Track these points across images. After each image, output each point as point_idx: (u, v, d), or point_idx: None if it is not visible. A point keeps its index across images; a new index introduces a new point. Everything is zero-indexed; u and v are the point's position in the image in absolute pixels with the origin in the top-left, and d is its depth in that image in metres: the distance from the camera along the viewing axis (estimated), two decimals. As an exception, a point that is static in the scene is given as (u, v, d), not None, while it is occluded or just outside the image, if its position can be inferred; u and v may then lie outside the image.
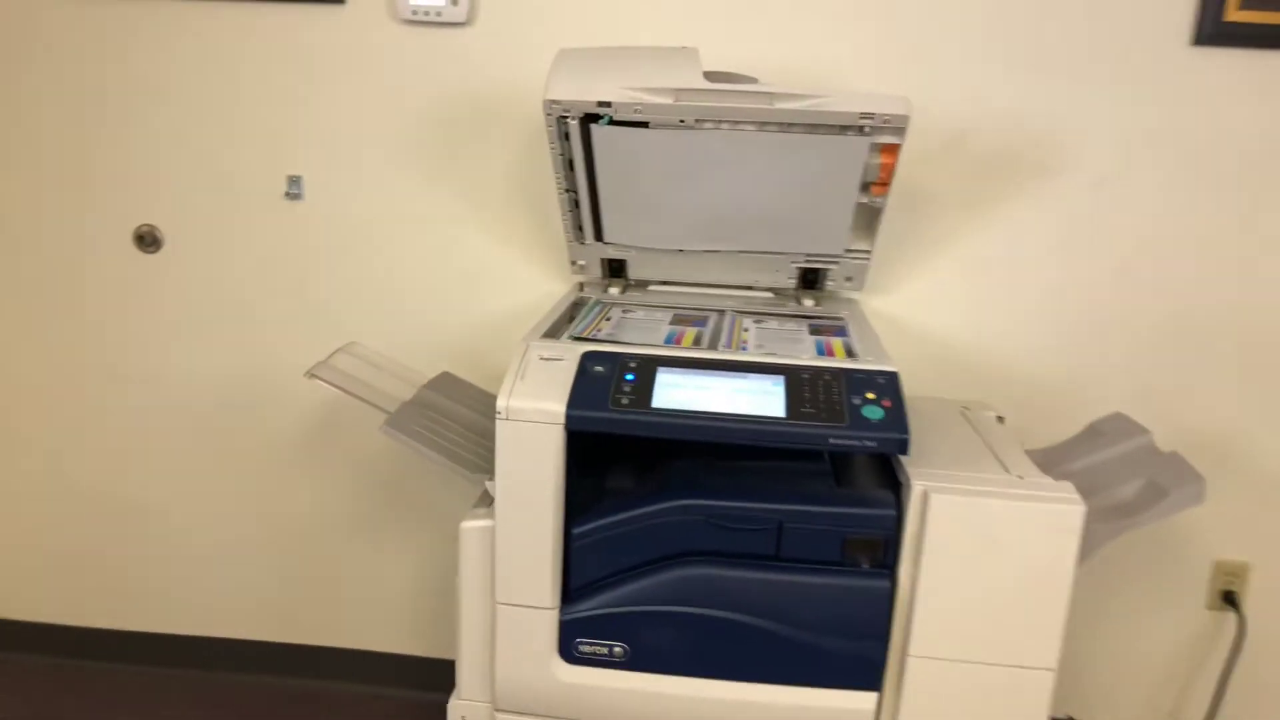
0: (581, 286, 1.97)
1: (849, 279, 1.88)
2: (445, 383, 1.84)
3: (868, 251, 1.81)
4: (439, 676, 2.23)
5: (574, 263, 1.91)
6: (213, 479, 2.25)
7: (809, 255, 1.82)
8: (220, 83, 2.04)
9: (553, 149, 1.67)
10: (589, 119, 1.60)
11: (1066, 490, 1.40)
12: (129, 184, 2.11)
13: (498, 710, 1.51)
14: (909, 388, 1.96)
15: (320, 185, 2.07)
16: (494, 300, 2.09)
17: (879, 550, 1.42)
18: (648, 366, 1.46)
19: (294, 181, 2.07)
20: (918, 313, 2.00)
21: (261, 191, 2.09)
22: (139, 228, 2.13)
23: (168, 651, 2.35)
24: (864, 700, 1.44)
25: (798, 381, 1.44)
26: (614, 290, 1.93)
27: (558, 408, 1.39)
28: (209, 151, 2.07)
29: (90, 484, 2.29)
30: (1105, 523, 1.50)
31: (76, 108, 2.08)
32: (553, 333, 1.60)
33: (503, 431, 1.40)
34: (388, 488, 2.21)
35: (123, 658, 2.36)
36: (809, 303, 1.89)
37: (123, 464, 2.26)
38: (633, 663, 1.46)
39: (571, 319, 1.71)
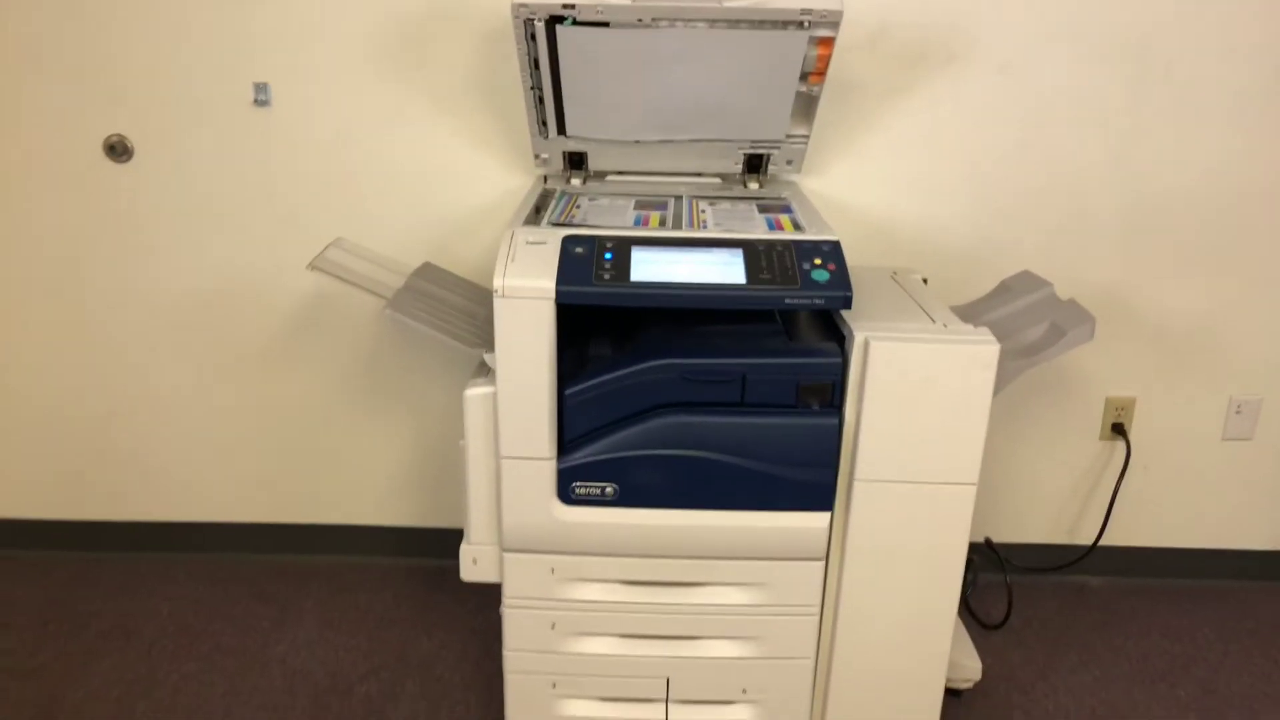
0: (545, 179, 2.13)
1: (789, 162, 2.08)
2: (429, 271, 2.01)
3: (806, 136, 2.01)
4: (431, 544, 2.46)
5: (537, 156, 2.07)
6: (205, 375, 2.39)
7: (754, 141, 2.01)
8: (181, -8, 2.10)
9: (519, 49, 1.81)
10: (554, 20, 1.74)
11: (984, 334, 1.65)
12: (98, 95, 2.17)
13: (505, 550, 1.74)
14: (846, 258, 2.19)
15: (288, 91, 2.16)
16: (461, 195, 2.23)
17: (828, 393, 1.66)
18: (623, 246, 1.65)
19: (261, 88, 2.16)
20: (850, 190, 2.22)
21: (230, 99, 2.17)
22: (109, 138, 2.20)
23: (174, 538, 2.52)
24: (819, 519, 1.71)
25: (755, 253, 1.65)
26: (575, 181, 2.09)
27: (548, 284, 1.58)
28: (176, 61, 2.14)
29: (86, 386, 2.40)
30: (1015, 360, 1.76)
31: (44, 20, 2.12)
32: (530, 221, 1.77)
33: (500, 308, 1.59)
34: (372, 374, 2.38)
35: (131, 546, 2.53)
36: (754, 186, 2.09)
37: (116, 366, 2.38)
38: (622, 500, 1.69)
39: (541, 209, 1.88)
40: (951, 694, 2.03)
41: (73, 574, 2.45)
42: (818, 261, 1.62)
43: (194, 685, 2.07)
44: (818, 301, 1.59)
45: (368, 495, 2.49)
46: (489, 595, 1.77)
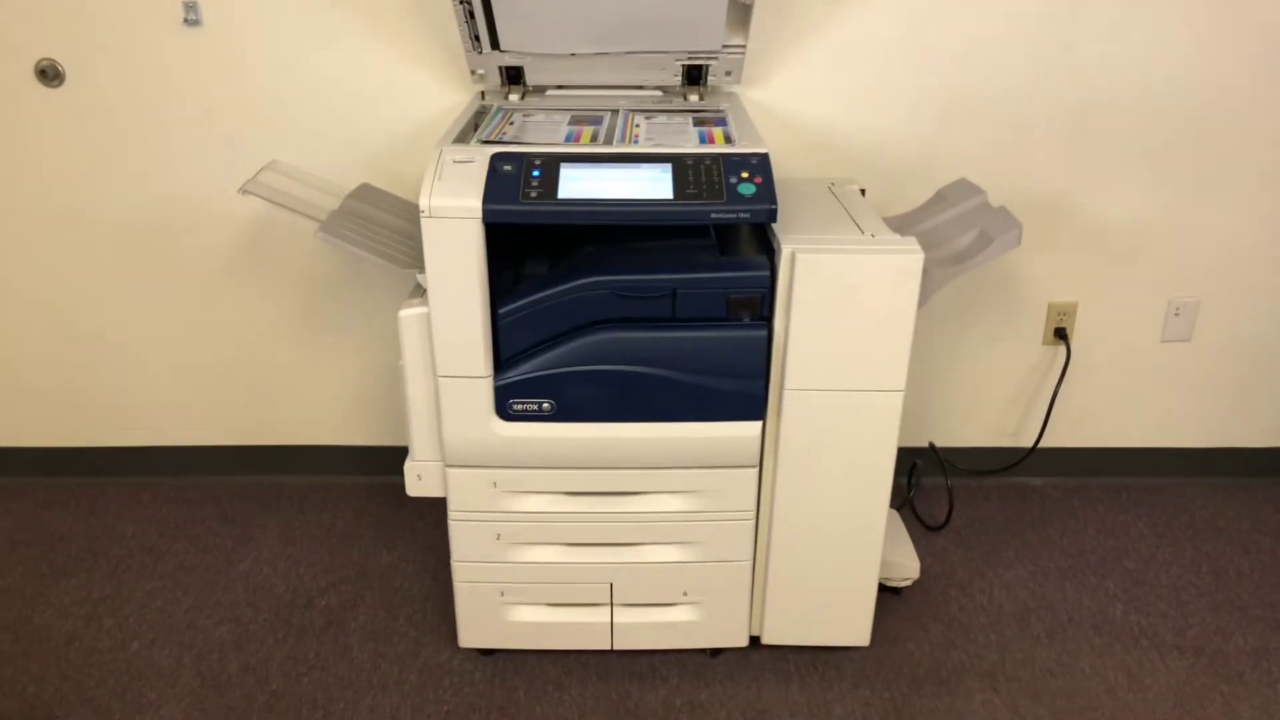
0: (483, 95, 2.11)
1: (728, 73, 2.06)
2: (366, 193, 2.01)
3: (743, 46, 1.99)
4: (392, 461, 2.50)
5: (474, 72, 2.04)
6: (154, 301, 2.39)
7: (690, 52, 1.99)
8: (100, -93, 2.04)
9: (445, -38, 1.78)
10: (477, -69, 1.71)
11: (910, 243, 1.67)
12: (24, 18, 2.12)
13: (447, 466, 1.79)
14: (786, 170, 2.21)
15: (219, 9, 2.12)
16: (400, 113, 2.21)
17: (757, 306, 1.69)
18: (551, 163, 1.65)
19: (191, 7, 2.11)
20: (791, 101, 2.21)
21: (159, 19, 2.12)
22: (39, 62, 2.16)
23: (139, 463, 2.56)
24: (751, 429, 1.75)
25: (682, 167, 1.65)
26: (514, 97, 2.07)
27: (474, 203, 1.58)
28: (100, -20, 2.10)
29: (39, 315, 2.41)
30: (943, 268, 1.79)
31: (-47, -59, 2.06)
32: (462, 138, 1.77)
33: (428, 228, 1.60)
34: (322, 296, 2.39)
35: (97, 471, 2.57)
36: (694, 98, 2.07)
37: (67, 294, 2.38)
38: (559, 415, 1.73)
39: (476, 126, 1.88)
40: (890, 592, 2.12)
41: (41, 499, 2.50)
42: (745, 175, 1.63)
43: (159, 601, 2.13)
44: (743, 215, 1.61)
45: (328, 415, 2.53)
46: (446, 511, 1.82)
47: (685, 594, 1.90)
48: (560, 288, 1.68)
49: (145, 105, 2.20)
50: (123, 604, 2.13)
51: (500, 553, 1.85)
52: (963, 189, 2.01)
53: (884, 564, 1.92)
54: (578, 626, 1.91)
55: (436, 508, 2.37)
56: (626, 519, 1.83)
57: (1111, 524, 2.41)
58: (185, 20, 2.12)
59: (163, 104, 2.20)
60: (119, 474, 2.57)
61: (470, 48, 1.97)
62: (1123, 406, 2.52)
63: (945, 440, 2.53)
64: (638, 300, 1.69)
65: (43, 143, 2.23)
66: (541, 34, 1.93)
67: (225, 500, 2.50)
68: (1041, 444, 2.49)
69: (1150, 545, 2.34)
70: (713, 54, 2.00)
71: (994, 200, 1.96)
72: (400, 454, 1.87)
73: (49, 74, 2.17)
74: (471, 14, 1.89)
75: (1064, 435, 2.53)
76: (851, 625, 1.95)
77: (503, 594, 1.89)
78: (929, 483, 2.51)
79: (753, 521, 1.84)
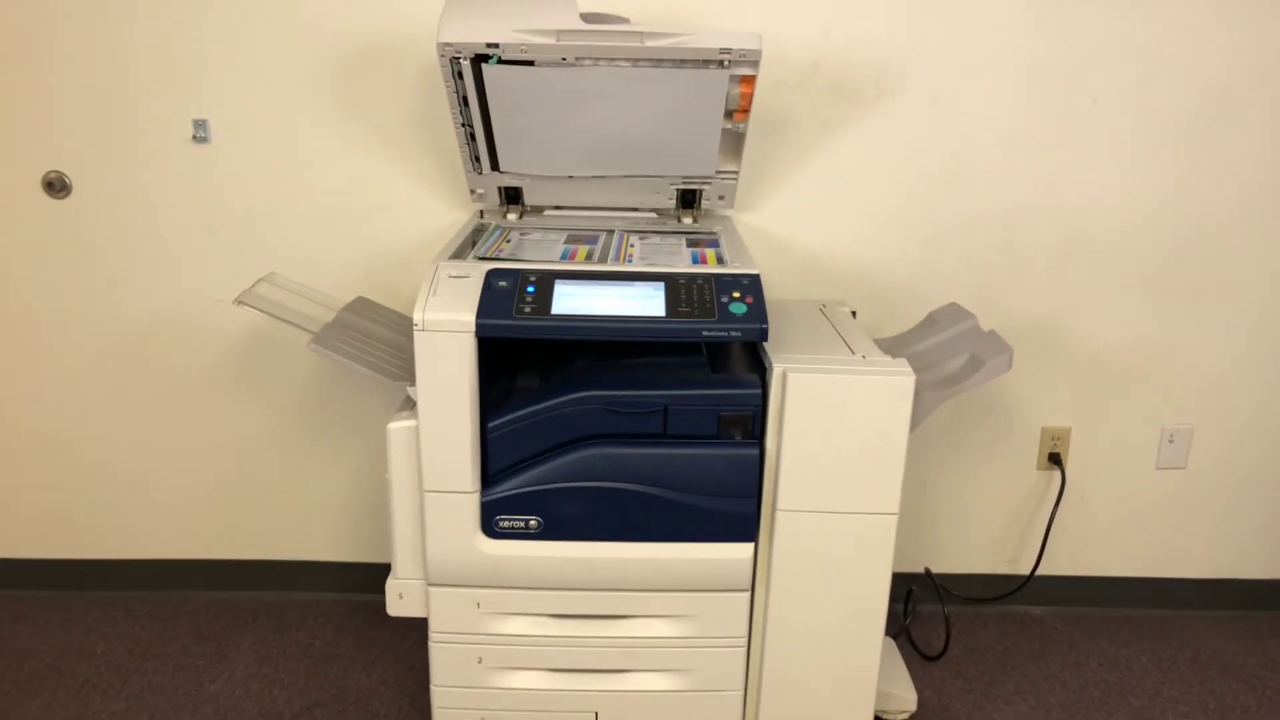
0: (482, 214, 2.15)
1: (721, 197, 2.11)
2: (361, 306, 2.02)
3: (735, 172, 2.04)
4: (375, 579, 2.43)
5: (473, 191, 2.09)
6: (143, 411, 2.37)
7: (684, 177, 2.04)
8: (120, 26, 2.11)
9: (448, 87, 1.84)
10: (480, 59, 1.77)
11: (901, 365, 1.68)
12: (35, 132, 2.18)
13: (430, 584, 1.74)
14: (777, 291, 2.23)
15: (227, 127, 2.18)
16: (400, 230, 2.25)
17: (749, 424, 1.68)
18: (546, 279, 1.67)
19: (200, 125, 2.18)
20: (783, 225, 2.25)
21: (168, 136, 2.18)
22: (47, 174, 2.21)
23: (114, 576, 2.49)
24: (742, 550, 1.72)
25: (675, 286, 1.67)
26: (512, 216, 2.11)
27: (468, 318, 1.59)
28: (113, 97, 2.15)
29: (24, 422, 2.38)
30: (935, 391, 1.79)
31: (-25, 59, 2.14)
32: (459, 254, 1.79)
33: (420, 341, 1.60)
34: (312, 409, 2.38)
35: (73, 585, 2.50)
36: (688, 220, 2.12)
37: (53, 401, 2.37)
38: (546, 533, 1.70)
39: (474, 243, 1.90)
40: (887, 725, 2.04)
41: (10, 612, 2.42)
42: (736, 295, 1.65)
43: (123, 725, 2.04)
44: (734, 334, 1.61)
45: (310, 530, 2.48)
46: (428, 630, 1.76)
47: (673, 725, 1.82)
48: (551, 401, 1.67)
49: (149, 218, 2.24)
50: (85, 726, 2.04)
51: (482, 677, 1.78)
52: (953, 313, 2.03)
53: (880, 695, 1.85)
54: (560, 758, 1.83)
55: (418, 627, 2.29)
56: (613, 644, 1.77)
57: (1114, 657, 2.34)
58: (194, 137, 2.18)
59: (166, 217, 2.24)
60: (92, 587, 2.50)
61: (471, 168, 2.02)
62: (1121, 534, 2.48)
63: (941, 566, 2.48)
64: (629, 416, 1.68)
65: (42, 252, 2.26)
66: (540, 157, 1.98)
67: (200, 616, 2.42)
68: (1039, 571, 2.44)
69: (1155, 681, 2.26)
70: (706, 179, 2.05)
71: (985, 324, 1.98)
72: (383, 571, 1.83)
73: (56, 185, 2.21)
74: (473, 136, 1.94)
75: (1062, 563, 2.48)
76: (847, 761, 1.86)
77: (483, 721, 1.81)
78: (925, 610, 2.45)
79: (744, 649, 1.78)
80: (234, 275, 2.24)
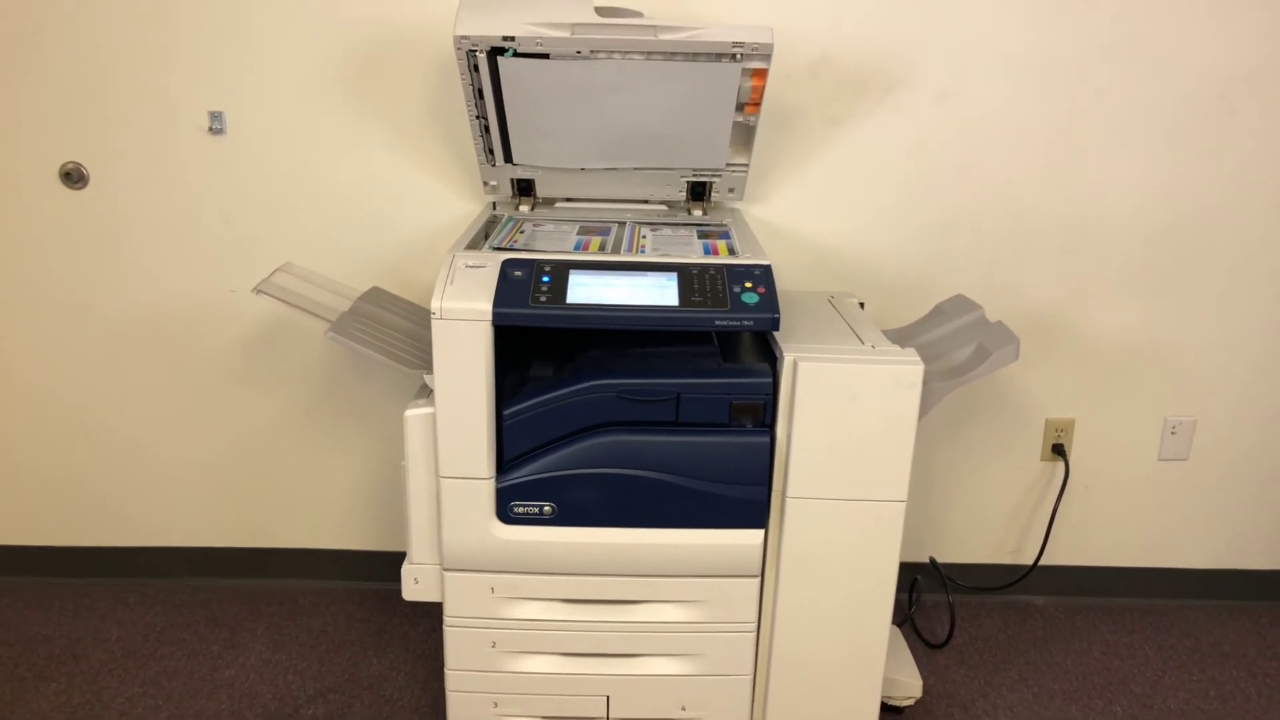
0: (495, 206, 2.18)
1: (731, 190, 2.13)
2: (376, 295, 2.04)
3: (745, 164, 2.06)
4: (387, 567, 2.47)
5: (486, 183, 2.11)
6: (158, 400, 2.40)
7: (695, 169, 2.07)
8: (137, 19, 2.14)
9: (463, 79, 1.86)
10: (495, 52, 1.80)
11: (909, 354, 1.70)
12: (52, 123, 2.20)
13: (445, 569, 1.76)
14: (786, 283, 2.26)
15: (242, 119, 2.20)
16: (413, 221, 2.28)
17: (759, 412, 1.70)
18: (561, 269, 1.69)
19: (216, 117, 2.20)
20: (793, 217, 2.28)
21: (185, 127, 2.21)
22: (65, 165, 2.23)
23: (128, 563, 2.52)
24: (753, 536, 1.74)
25: (688, 276, 1.69)
26: (524, 208, 2.14)
27: (485, 306, 1.62)
28: (130, 89, 2.18)
29: (40, 412, 2.41)
30: (942, 381, 1.81)
31: (0, 49, 2.16)
32: (474, 245, 1.82)
33: (438, 329, 1.63)
34: (327, 398, 2.40)
35: (87, 572, 2.53)
36: (698, 213, 2.14)
37: (69, 391, 2.39)
38: (560, 519, 1.72)
39: (488, 234, 1.93)
40: (893, 711, 2.07)
41: (26, 599, 2.44)
42: (748, 285, 1.67)
43: (138, 709, 2.07)
44: (746, 323, 1.64)
45: (325, 518, 2.51)
46: (440, 617, 1.79)
47: (684, 709, 1.84)
48: (565, 390, 1.70)
49: (165, 208, 2.26)
50: (102, 710, 2.06)
51: (495, 662, 1.81)
52: (960, 304, 2.06)
53: (886, 682, 1.88)
54: (572, 741, 1.86)
55: (430, 615, 2.33)
56: (625, 629, 1.80)
57: (1116, 645, 2.37)
58: (210, 129, 2.21)
59: (182, 207, 2.26)
60: (107, 575, 2.52)
61: (484, 160, 2.04)
62: (1124, 525, 2.51)
63: (946, 556, 2.51)
64: (642, 404, 1.70)
65: (60, 241, 2.28)
66: (553, 149, 2.00)
67: (214, 603, 2.45)
68: (1042, 561, 2.47)
69: (1156, 669, 2.29)
70: (717, 171, 2.07)
71: (991, 315, 2.01)
72: (395, 560, 1.85)
73: (73, 176, 2.24)
74: (487, 128, 1.97)
75: (1065, 553, 2.51)
76: (854, 745, 1.89)
77: (496, 705, 1.84)
78: (930, 599, 2.48)
79: (754, 634, 1.81)
80: (248, 265, 2.26)
